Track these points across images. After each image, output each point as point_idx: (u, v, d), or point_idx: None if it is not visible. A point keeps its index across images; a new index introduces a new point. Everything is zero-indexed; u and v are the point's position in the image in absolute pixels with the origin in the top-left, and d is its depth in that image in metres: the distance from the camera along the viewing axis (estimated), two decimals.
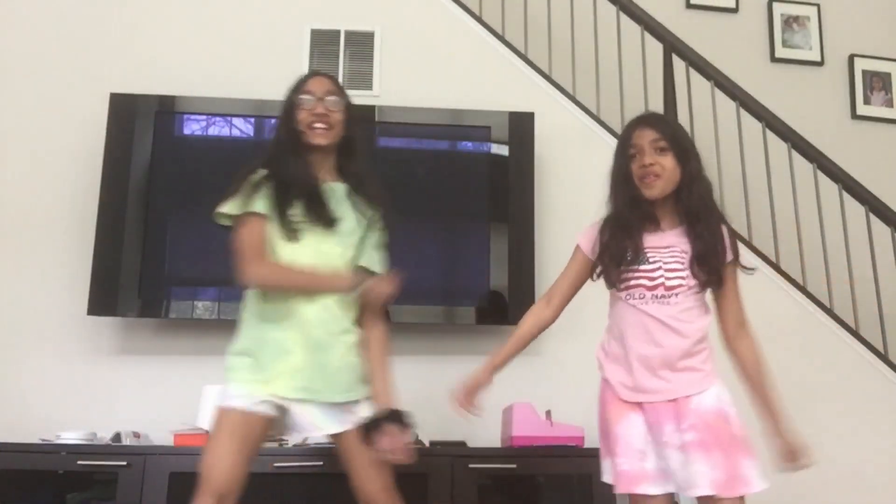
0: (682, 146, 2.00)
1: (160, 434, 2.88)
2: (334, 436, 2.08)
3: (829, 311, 3.37)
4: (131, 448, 2.73)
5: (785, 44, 4.61)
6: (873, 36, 4.68)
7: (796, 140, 3.61)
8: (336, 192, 2.14)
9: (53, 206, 3.24)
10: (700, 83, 3.71)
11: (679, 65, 3.70)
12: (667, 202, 2.00)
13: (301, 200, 2.06)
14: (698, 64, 3.68)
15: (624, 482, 1.92)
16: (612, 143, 3.47)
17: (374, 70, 3.50)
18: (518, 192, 3.26)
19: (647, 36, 3.73)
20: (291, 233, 2.04)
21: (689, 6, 4.57)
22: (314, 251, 2.07)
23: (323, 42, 3.51)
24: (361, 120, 3.28)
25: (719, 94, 3.67)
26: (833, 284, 3.45)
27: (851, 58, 4.62)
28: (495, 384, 2.10)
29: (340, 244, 2.11)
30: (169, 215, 3.15)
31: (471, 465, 2.77)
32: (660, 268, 1.96)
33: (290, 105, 2.17)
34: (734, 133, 3.59)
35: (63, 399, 3.07)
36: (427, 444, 2.91)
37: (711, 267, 1.96)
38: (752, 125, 3.65)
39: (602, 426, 2.02)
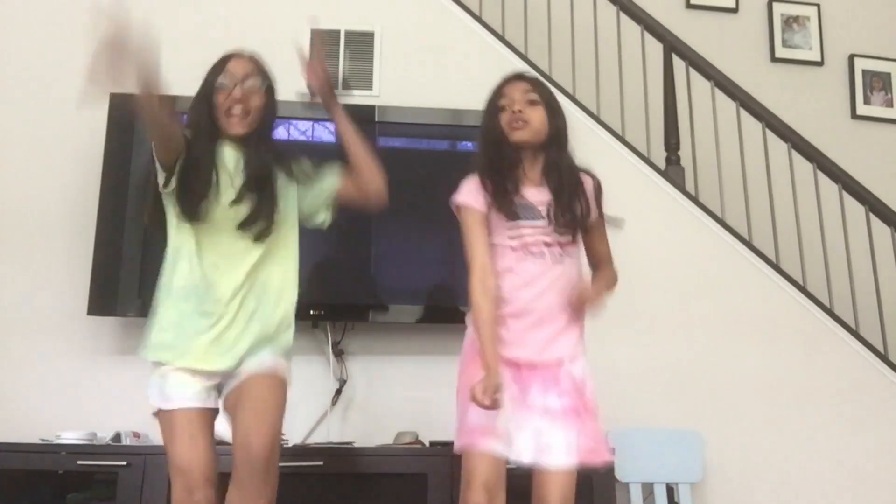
0: (551, 103, 2.06)
1: (160, 434, 2.87)
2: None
3: (829, 311, 3.38)
4: (131, 448, 2.73)
5: (785, 44, 4.61)
6: (873, 36, 4.68)
7: (796, 140, 3.61)
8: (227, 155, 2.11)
9: (53, 206, 3.24)
10: (700, 83, 3.72)
11: (679, 65, 3.70)
12: (536, 156, 2.05)
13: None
14: (698, 64, 3.69)
15: (472, 435, 1.90)
16: (613, 143, 3.50)
17: (374, 70, 3.50)
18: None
19: (647, 36, 3.73)
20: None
21: (689, 6, 4.57)
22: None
23: (323, 42, 3.51)
24: (361, 120, 3.29)
25: (719, 94, 3.67)
26: (833, 284, 3.45)
27: (851, 58, 4.62)
28: None
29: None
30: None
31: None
32: (553, 223, 2.02)
33: (208, 87, 2.11)
34: (734, 133, 3.59)
35: (63, 399, 3.07)
36: (427, 444, 2.91)
37: (572, 217, 2.03)
38: (752, 125, 3.65)
39: (463, 380, 2.00)
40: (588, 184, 2.12)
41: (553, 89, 3.48)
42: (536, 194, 2.04)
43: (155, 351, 2.04)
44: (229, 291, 2.02)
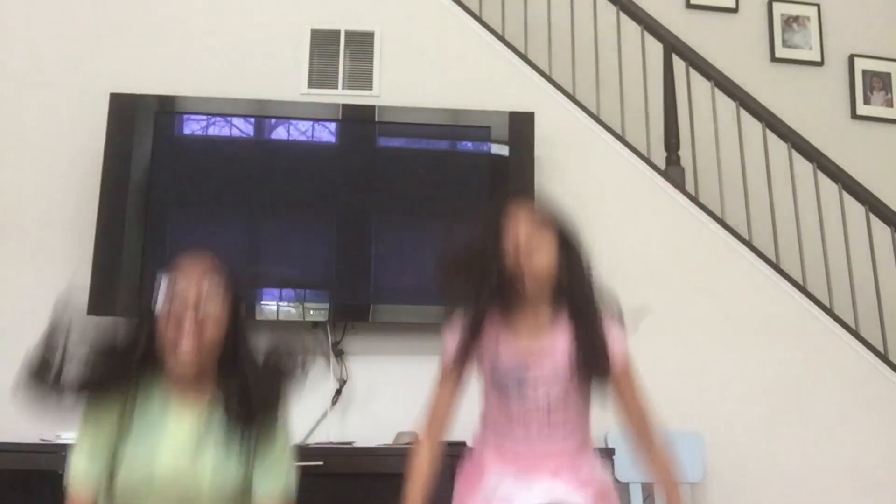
0: (566, 237, 1.73)
1: None
2: None
3: (829, 311, 3.37)
4: None
5: (785, 44, 4.60)
6: (873, 36, 4.68)
7: (796, 140, 3.61)
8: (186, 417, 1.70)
9: (53, 206, 3.24)
10: (700, 83, 3.72)
11: (679, 65, 3.70)
12: (540, 295, 1.71)
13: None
14: (698, 64, 3.69)
15: None
16: (613, 143, 3.50)
17: (374, 70, 3.49)
18: (518, 192, 3.25)
19: (647, 36, 3.73)
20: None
21: (689, 6, 4.57)
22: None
23: (323, 42, 3.51)
24: (361, 120, 3.30)
25: (719, 94, 3.67)
26: (833, 284, 3.45)
27: (851, 58, 4.62)
28: None
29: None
30: (169, 215, 3.15)
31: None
32: (543, 394, 1.72)
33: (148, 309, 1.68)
34: (734, 133, 3.59)
35: None
36: None
37: (590, 371, 1.72)
38: (752, 125, 3.65)
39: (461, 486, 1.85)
40: (610, 329, 1.76)
41: (553, 89, 3.55)
42: (537, 341, 1.72)
43: None
44: None
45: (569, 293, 1.71)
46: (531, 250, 1.66)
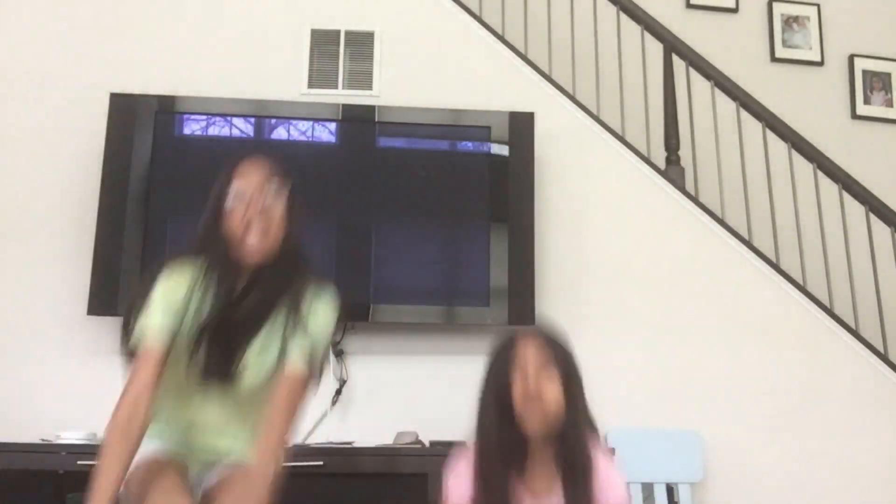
0: (570, 372, 1.69)
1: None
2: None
3: (829, 311, 3.37)
4: None
5: (785, 44, 4.60)
6: (873, 36, 4.68)
7: (796, 140, 3.61)
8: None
9: (53, 206, 3.24)
10: (700, 83, 3.72)
11: (679, 65, 3.70)
12: (544, 444, 1.67)
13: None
14: (698, 64, 3.69)
15: None
16: (612, 143, 3.50)
17: (374, 70, 3.49)
18: (518, 192, 3.26)
19: (647, 36, 3.73)
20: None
21: (689, 6, 4.57)
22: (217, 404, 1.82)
23: (323, 42, 3.51)
24: (361, 120, 3.30)
25: (719, 94, 3.67)
26: (833, 284, 3.45)
27: (851, 58, 4.62)
28: None
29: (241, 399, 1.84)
30: (169, 215, 3.15)
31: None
32: None
33: (217, 203, 1.81)
34: (734, 133, 3.59)
35: (63, 399, 3.07)
36: (427, 444, 2.91)
37: None
38: (752, 125, 3.65)
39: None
40: (600, 472, 1.69)
41: (553, 89, 3.56)
42: (537, 500, 1.68)
43: None
44: None
45: (564, 438, 1.66)
46: (540, 391, 1.64)
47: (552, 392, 1.64)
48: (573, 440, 1.66)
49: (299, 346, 1.83)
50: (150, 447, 1.83)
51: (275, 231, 1.80)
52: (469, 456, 1.71)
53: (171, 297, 1.81)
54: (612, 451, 2.80)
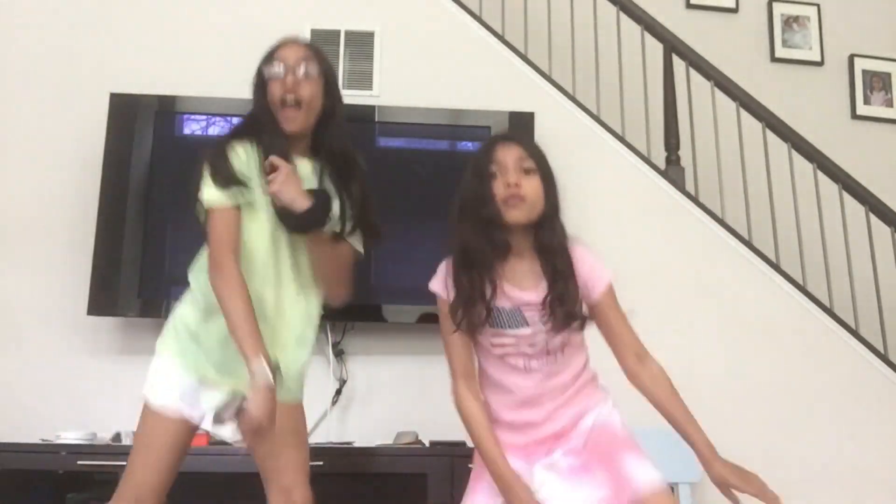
0: (547, 171, 1.81)
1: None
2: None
3: (829, 311, 3.38)
4: (131, 448, 2.72)
5: (785, 44, 4.61)
6: (873, 36, 4.68)
7: (796, 140, 3.61)
8: (301, 170, 1.95)
9: (53, 205, 3.24)
10: (700, 83, 3.72)
11: (679, 65, 3.70)
12: (525, 236, 1.78)
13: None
14: (698, 64, 3.69)
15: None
16: (613, 143, 3.50)
17: (374, 70, 3.50)
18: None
19: (647, 36, 3.73)
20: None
21: (689, 6, 4.57)
22: (270, 235, 1.91)
23: (323, 42, 3.51)
24: (361, 120, 3.29)
25: (719, 94, 3.67)
26: (833, 284, 3.45)
27: (851, 58, 4.62)
28: None
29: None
30: (169, 215, 3.15)
31: (471, 465, 2.76)
32: (539, 331, 1.76)
33: (261, 78, 1.96)
34: (734, 133, 3.59)
35: (63, 399, 3.07)
36: (427, 444, 2.91)
37: (568, 311, 1.75)
38: (752, 125, 3.65)
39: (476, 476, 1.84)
40: (582, 261, 1.83)
41: (553, 89, 3.55)
42: (522, 294, 1.77)
43: None
44: None
45: (543, 227, 1.77)
46: (519, 182, 1.74)
47: (531, 183, 1.75)
48: (551, 229, 1.77)
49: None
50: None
51: (312, 104, 1.92)
52: (449, 262, 1.82)
53: (237, 163, 1.90)
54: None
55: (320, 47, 2.04)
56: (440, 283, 1.83)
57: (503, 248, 1.76)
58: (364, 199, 1.99)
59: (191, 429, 1.91)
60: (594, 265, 1.84)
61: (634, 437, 1.86)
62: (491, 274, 1.75)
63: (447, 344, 1.83)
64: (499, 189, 1.75)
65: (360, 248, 2.05)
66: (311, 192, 1.90)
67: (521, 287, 1.78)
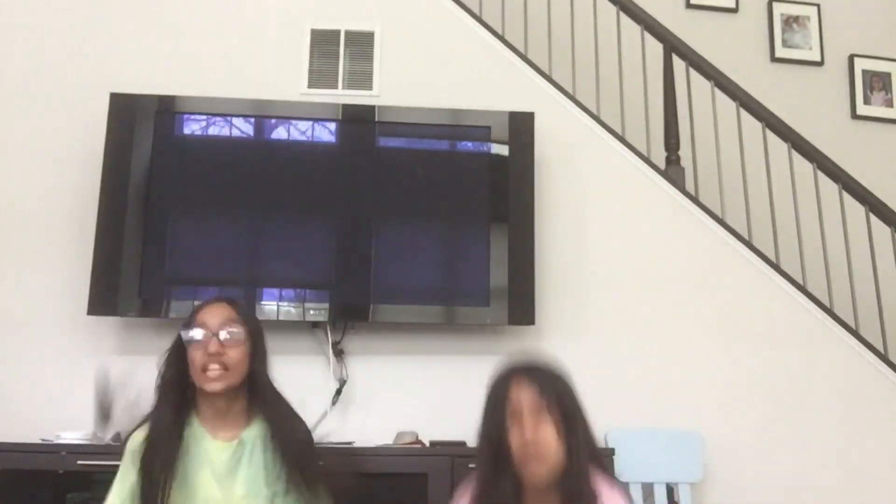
0: (568, 411, 1.61)
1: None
2: None
3: (829, 311, 3.38)
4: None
5: (785, 44, 4.61)
6: (873, 36, 4.68)
7: (796, 140, 3.61)
8: (245, 444, 1.86)
9: (53, 206, 3.24)
10: (700, 83, 3.72)
11: (679, 65, 3.70)
12: (545, 488, 1.61)
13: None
14: (698, 64, 3.69)
15: None
16: (612, 143, 3.50)
17: (374, 70, 3.50)
18: (518, 192, 3.26)
19: (647, 36, 3.73)
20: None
21: (689, 6, 4.57)
22: None
23: (323, 42, 3.51)
24: (361, 120, 3.30)
25: (719, 94, 3.67)
26: (833, 284, 3.45)
27: (851, 58, 4.62)
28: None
29: None
30: (169, 215, 3.15)
31: (471, 465, 2.75)
32: None
33: (178, 343, 1.86)
34: (734, 133, 3.59)
35: (63, 399, 3.07)
36: (427, 444, 2.91)
37: None
38: (752, 125, 3.65)
39: None
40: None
41: (553, 89, 3.56)
42: None
43: None
44: None
45: (565, 483, 1.59)
46: (536, 440, 1.57)
47: (549, 440, 1.57)
48: (575, 483, 1.58)
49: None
50: None
51: (235, 358, 1.84)
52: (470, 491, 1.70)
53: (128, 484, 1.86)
54: (612, 450, 2.81)
55: (241, 307, 1.94)
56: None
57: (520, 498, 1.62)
58: (304, 460, 1.90)
59: None
60: None
61: None
62: None
63: None
64: (514, 439, 1.58)
65: None
66: None
67: None
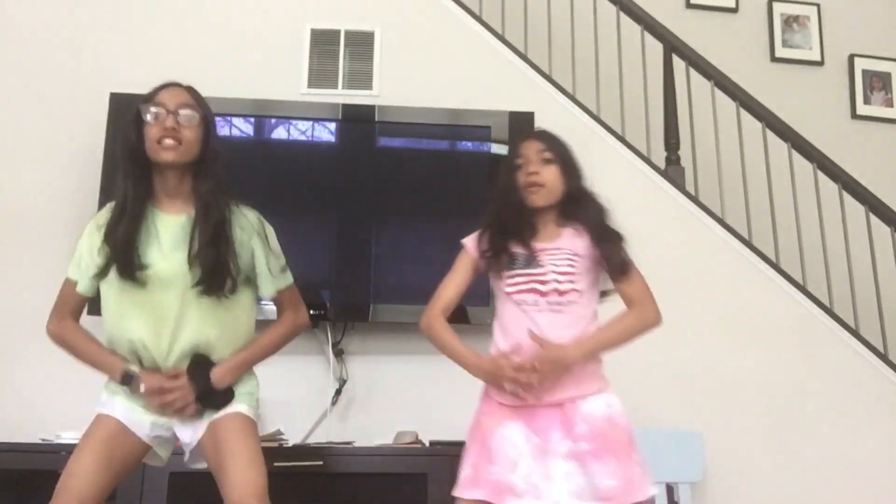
0: (566, 159, 2.05)
1: None
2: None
3: (829, 311, 3.38)
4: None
5: (785, 44, 4.61)
6: (873, 36, 4.68)
7: (796, 140, 3.61)
8: (169, 226, 1.99)
9: (53, 205, 3.24)
10: (700, 83, 3.72)
11: (679, 65, 3.70)
12: (549, 214, 2.02)
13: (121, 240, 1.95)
14: (698, 64, 3.69)
15: (493, 491, 1.83)
16: (612, 142, 3.50)
17: (374, 70, 3.50)
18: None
19: (647, 36, 3.73)
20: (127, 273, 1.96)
21: (689, 6, 4.57)
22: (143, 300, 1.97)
23: (323, 42, 3.51)
24: (361, 120, 3.30)
25: (719, 94, 3.67)
26: (833, 284, 3.45)
27: (851, 58, 4.62)
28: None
29: (169, 291, 1.96)
30: None
31: None
32: (551, 271, 1.94)
33: (137, 118, 1.97)
34: (734, 133, 3.59)
35: (63, 399, 3.07)
36: (427, 444, 2.91)
37: (611, 252, 2.00)
38: (752, 125, 3.65)
39: (475, 433, 1.95)
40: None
41: (553, 89, 3.55)
42: (543, 244, 1.99)
43: None
44: None
45: (576, 204, 2.01)
46: (538, 170, 1.98)
47: (549, 171, 2.00)
48: (575, 206, 2.01)
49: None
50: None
51: (187, 148, 1.97)
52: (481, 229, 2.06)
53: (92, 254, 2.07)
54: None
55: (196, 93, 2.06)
56: (472, 239, 2.06)
57: (531, 229, 1.99)
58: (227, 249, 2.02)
59: (131, 438, 1.99)
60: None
61: (638, 446, 1.96)
62: (522, 243, 1.98)
63: (447, 279, 2.08)
64: (522, 178, 1.99)
65: (268, 290, 2.16)
66: (190, 371, 1.97)
67: (543, 241, 1.99)
